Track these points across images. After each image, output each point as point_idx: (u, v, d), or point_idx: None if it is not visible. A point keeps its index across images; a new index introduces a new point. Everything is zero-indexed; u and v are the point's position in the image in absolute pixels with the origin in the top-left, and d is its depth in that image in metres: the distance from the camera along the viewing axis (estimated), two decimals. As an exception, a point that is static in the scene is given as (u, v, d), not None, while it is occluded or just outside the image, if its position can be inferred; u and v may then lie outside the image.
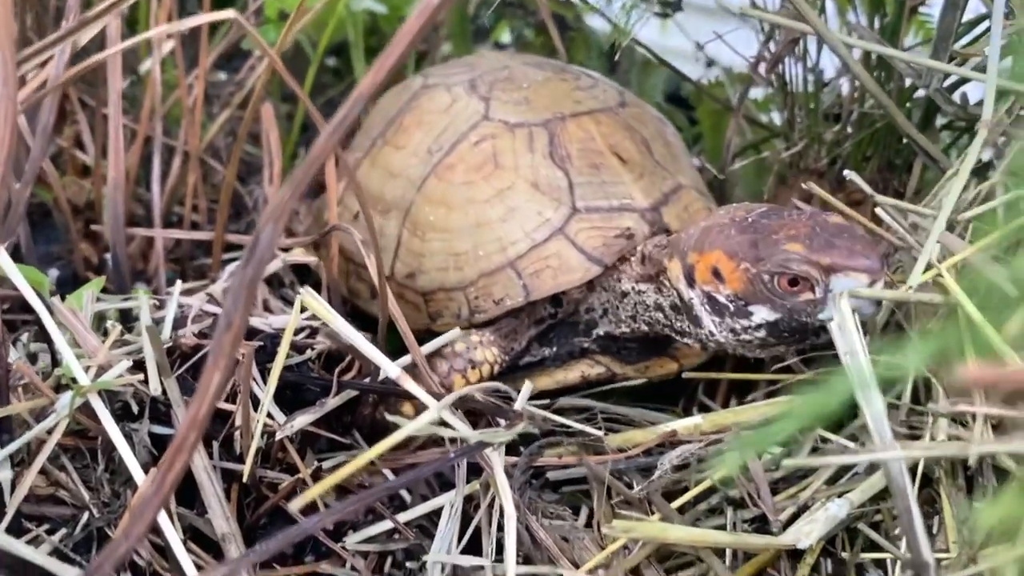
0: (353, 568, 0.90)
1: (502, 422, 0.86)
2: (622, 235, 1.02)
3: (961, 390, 0.90)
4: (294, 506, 0.69)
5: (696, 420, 1.01)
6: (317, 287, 1.14)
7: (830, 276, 0.85)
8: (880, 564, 0.90)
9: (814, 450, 0.99)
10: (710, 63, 1.44)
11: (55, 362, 0.91)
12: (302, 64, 1.52)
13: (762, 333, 0.91)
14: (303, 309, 0.87)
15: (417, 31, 0.57)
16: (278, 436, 0.86)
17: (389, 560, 0.92)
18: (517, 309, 1.03)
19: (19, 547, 0.80)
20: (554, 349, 1.08)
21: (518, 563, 0.80)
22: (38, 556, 0.81)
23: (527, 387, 0.93)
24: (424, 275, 1.08)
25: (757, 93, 1.41)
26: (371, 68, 0.58)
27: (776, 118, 1.38)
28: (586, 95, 1.14)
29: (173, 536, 0.80)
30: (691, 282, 0.94)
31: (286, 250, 1.18)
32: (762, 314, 0.90)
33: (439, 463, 0.76)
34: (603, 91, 1.16)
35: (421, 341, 0.96)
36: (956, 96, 1.07)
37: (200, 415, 0.61)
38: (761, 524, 0.91)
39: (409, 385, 0.81)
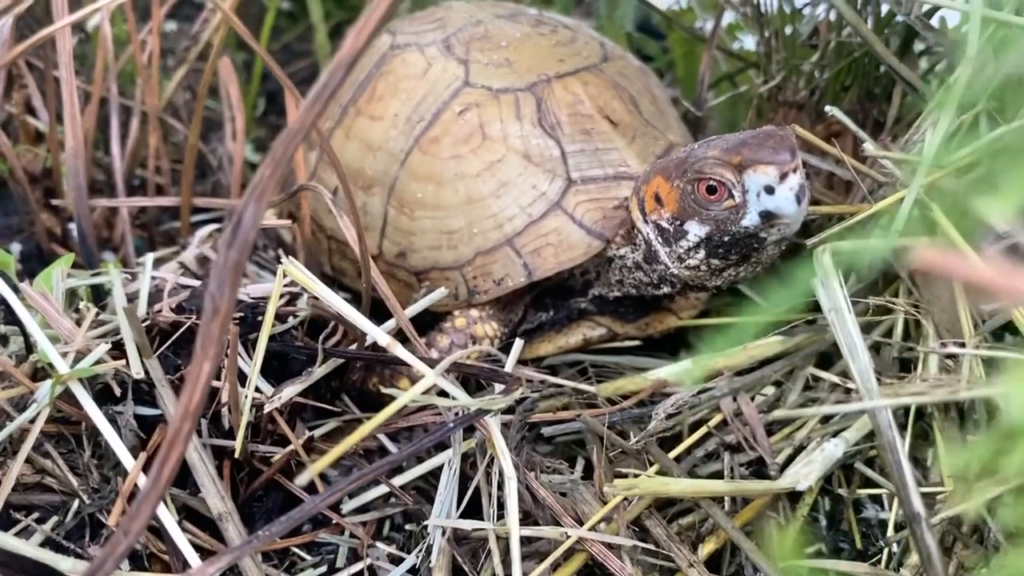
0: (352, 535, 0.89)
1: (497, 387, 0.84)
2: (621, 206, 0.98)
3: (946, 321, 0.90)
4: (299, 481, 0.67)
5: (685, 365, 1.01)
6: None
7: (743, 176, 0.83)
8: (876, 499, 0.91)
9: (807, 388, 0.99)
10: (681, -9, 1.40)
11: (28, 346, 0.88)
12: (256, 8, 1.46)
13: (702, 253, 0.89)
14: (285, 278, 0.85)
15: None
16: (266, 409, 0.84)
17: (388, 523, 0.91)
18: None
19: (9, 541, 0.78)
20: (551, 313, 1.05)
21: (519, 523, 0.79)
22: (29, 549, 0.79)
23: (517, 345, 0.91)
24: (416, 254, 1.03)
25: (728, 18, 1.37)
26: (351, 32, 0.55)
27: (748, 44, 1.35)
28: (568, 51, 1.08)
29: (169, 521, 0.78)
30: (645, 217, 0.93)
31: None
32: (695, 230, 0.88)
33: (439, 434, 0.74)
34: (584, 44, 1.10)
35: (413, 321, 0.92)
36: (934, 21, 1.05)
37: (192, 405, 0.59)
38: (758, 467, 0.91)
39: (400, 352, 0.79)
